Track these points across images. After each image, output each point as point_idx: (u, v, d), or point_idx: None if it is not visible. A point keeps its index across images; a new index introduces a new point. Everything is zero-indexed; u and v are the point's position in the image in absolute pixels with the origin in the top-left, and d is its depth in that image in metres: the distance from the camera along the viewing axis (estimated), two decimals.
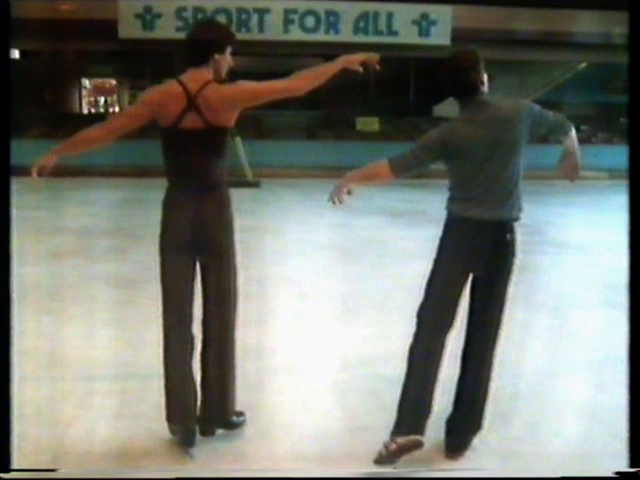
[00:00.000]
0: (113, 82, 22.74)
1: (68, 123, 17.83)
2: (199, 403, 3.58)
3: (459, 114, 3.44)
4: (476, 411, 3.57)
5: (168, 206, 3.49)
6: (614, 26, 18.98)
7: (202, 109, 3.28)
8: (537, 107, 3.38)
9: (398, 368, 3.53)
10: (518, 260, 3.46)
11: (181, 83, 3.32)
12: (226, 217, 3.49)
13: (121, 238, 8.72)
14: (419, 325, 3.49)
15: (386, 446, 3.42)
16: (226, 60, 3.41)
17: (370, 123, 18.15)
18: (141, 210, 10.28)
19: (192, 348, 3.54)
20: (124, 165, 15.34)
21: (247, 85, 3.36)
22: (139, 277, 6.70)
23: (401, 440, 3.40)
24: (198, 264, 3.52)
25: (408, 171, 3.44)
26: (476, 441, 3.60)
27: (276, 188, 13.65)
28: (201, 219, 3.40)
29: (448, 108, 19.73)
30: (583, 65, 21.97)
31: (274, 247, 8.11)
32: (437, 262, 3.49)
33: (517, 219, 3.43)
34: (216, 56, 3.35)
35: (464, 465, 3.47)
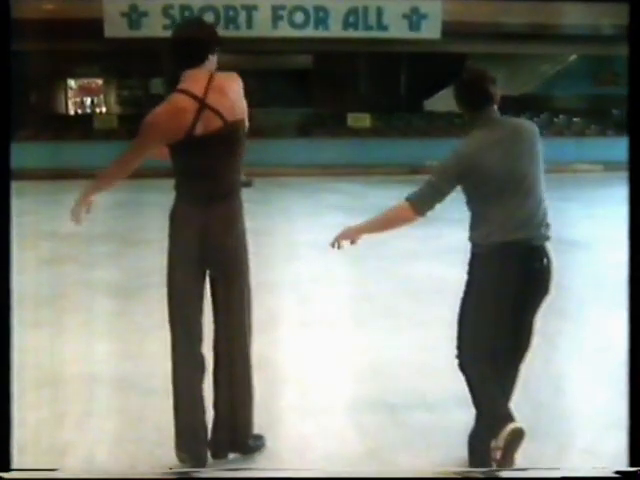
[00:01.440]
0: (99, 82, 22.48)
1: (54, 125, 17.63)
2: (211, 425, 3.37)
3: (473, 132, 3.26)
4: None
5: (179, 219, 3.25)
6: (603, 17, 18.93)
7: (216, 107, 3.07)
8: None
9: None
10: None
11: (183, 91, 3.10)
12: (241, 226, 3.29)
13: (114, 243, 8.48)
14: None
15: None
16: (215, 61, 3.23)
17: (361, 119, 17.96)
18: (133, 213, 10.08)
19: (203, 369, 3.33)
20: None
21: None
22: (135, 285, 6.47)
23: None
24: (208, 278, 3.31)
25: (432, 207, 3.20)
26: None
27: (269, 187, 13.40)
28: (215, 230, 3.18)
29: (439, 102, 19.75)
30: (573, 57, 21.90)
31: (272, 250, 7.89)
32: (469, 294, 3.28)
33: (548, 238, 3.23)
34: (210, 56, 3.18)
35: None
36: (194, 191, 3.20)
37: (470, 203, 3.26)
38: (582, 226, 9.91)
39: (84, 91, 22.97)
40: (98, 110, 22.29)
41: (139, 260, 7.62)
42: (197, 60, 3.14)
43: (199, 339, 3.30)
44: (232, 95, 3.13)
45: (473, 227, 3.25)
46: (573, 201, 12.31)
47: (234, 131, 3.13)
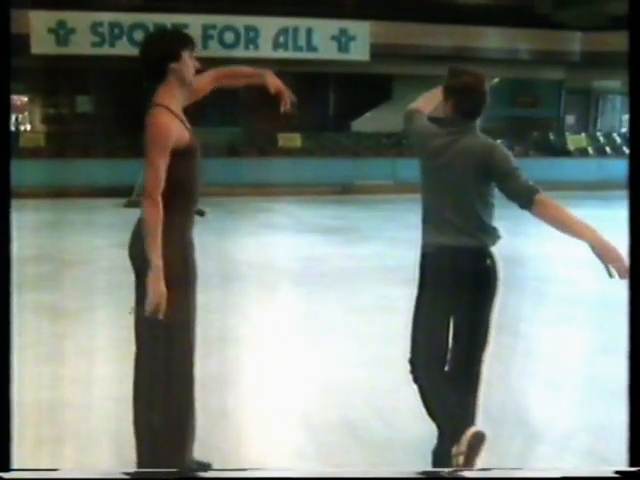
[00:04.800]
0: (24, 99, 21.91)
1: None
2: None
3: (445, 128, 3.35)
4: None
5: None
6: (522, 43, 19.61)
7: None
8: (508, 167, 3.20)
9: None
10: None
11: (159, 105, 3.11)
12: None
13: (49, 264, 8.29)
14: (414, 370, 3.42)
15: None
16: (186, 65, 3.14)
17: (292, 139, 18.06)
18: (67, 233, 9.87)
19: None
20: (40, 186, 14.81)
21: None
22: (74, 307, 6.35)
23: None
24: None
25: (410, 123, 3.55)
26: None
27: (200, 207, 13.22)
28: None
29: (367, 123, 20.00)
30: (495, 80, 22.51)
31: (209, 270, 7.82)
32: (421, 296, 3.39)
33: (494, 242, 3.35)
34: (172, 65, 3.11)
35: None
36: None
37: (423, 203, 3.39)
38: (513, 243, 10.18)
39: None
40: (23, 128, 21.72)
41: (77, 281, 7.49)
42: (158, 75, 3.14)
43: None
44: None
45: (423, 228, 3.38)
46: (503, 219, 12.64)
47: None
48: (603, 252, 2.84)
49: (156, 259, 2.96)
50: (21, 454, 3.65)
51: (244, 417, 4.21)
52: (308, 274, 8.08)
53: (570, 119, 23.19)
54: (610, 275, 2.82)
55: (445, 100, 3.34)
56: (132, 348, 3.27)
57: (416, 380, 3.42)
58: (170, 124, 3.07)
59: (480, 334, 3.35)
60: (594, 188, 17.26)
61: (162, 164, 3.00)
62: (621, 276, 2.76)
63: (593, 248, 2.88)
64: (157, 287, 2.95)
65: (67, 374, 4.83)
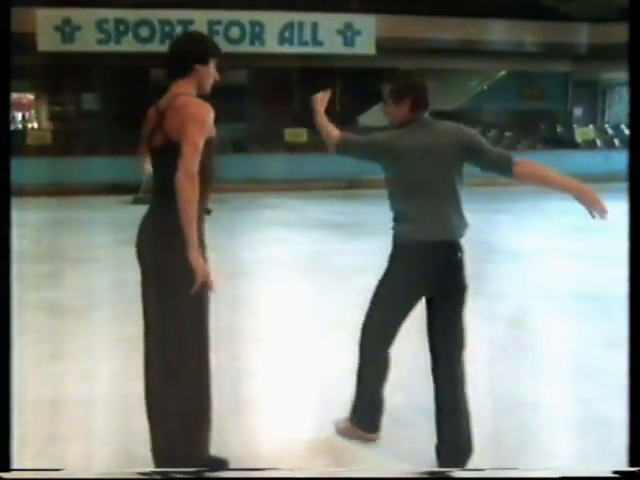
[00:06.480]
0: (31, 97, 21.95)
1: None
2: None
3: (404, 127, 3.42)
4: (462, 433, 3.46)
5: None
6: (529, 35, 19.53)
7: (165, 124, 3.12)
8: (478, 140, 3.38)
9: None
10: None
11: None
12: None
13: (56, 262, 8.31)
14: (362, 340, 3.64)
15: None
16: (209, 73, 3.24)
17: (298, 134, 18.03)
18: (72, 231, 9.88)
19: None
20: (46, 184, 14.86)
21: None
22: (80, 304, 6.36)
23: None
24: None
25: (348, 152, 3.56)
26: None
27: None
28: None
29: (372, 118, 20.00)
30: (502, 73, 22.45)
31: (219, 266, 7.80)
32: (387, 282, 3.52)
33: (463, 234, 3.45)
34: (197, 66, 3.20)
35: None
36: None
37: (394, 202, 3.46)
38: (515, 237, 10.20)
39: (15, 106, 22.42)
40: (30, 126, 21.77)
41: (84, 279, 7.50)
42: (179, 71, 3.21)
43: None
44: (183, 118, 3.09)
45: (396, 224, 3.46)
46: (506, 213, 12.64)
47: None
48: (586, 198, 3.12)
49: (194, 235, 2.97)
50: (36, 452, 3.68)
51: (257, 411, 4.21)
52: (315, 269, 8.06)
53: (578, 111, 23.10)
54: (592, 216, 3.15)
55: (396, 103, 3.43)
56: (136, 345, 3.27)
57: (362, 346, 3.63)
58: (210, 109, 3.12)
59: (459, 324, 3.46)
60: (602, 180, 17.16)
61: (200, 144, 3.03)
62: (601, 216, 3.12)
63: (576, 197, 3.14)
64: (200, 264, 2.99)
65: (75, 371, 4.84)
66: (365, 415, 3.76)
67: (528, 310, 6.37)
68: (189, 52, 3.22)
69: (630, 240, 2.49)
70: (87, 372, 4.80)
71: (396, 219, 3.46)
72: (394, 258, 3.48)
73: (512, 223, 11.72)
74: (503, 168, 3.30)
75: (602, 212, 3.11)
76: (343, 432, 3.82)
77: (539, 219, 11.92)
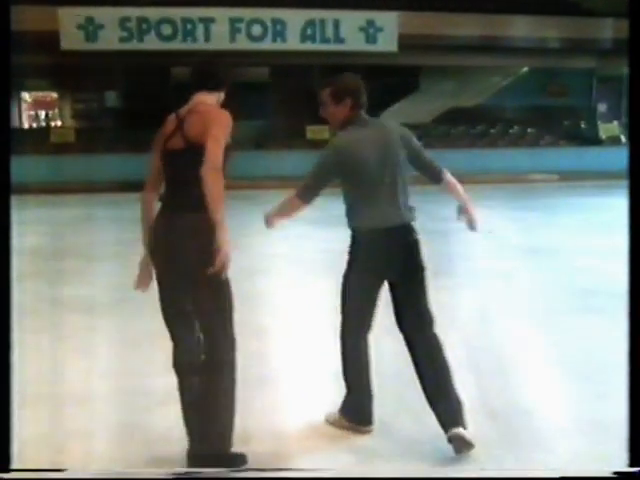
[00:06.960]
0: (54, 95, 22.13)
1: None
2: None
3: (344, 130, 3.61)
4: (452, 400, 3.56)
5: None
6: (551, 31, 19.36)
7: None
8: (417, 142, 3.71)
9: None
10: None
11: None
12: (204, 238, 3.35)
13: (80, 259, 8.36)
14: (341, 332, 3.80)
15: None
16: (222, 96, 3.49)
17: (320, 131, 17.98)
18: (91, 228, 9.93)
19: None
20: (68, 182, 14.97)
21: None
22: (102, 300, 6.39)
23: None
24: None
25: (316, 195, 3.64)
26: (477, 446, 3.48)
27: (227, 201, 13.19)
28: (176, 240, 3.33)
29: (395, 114, 19.90)
30: (524, 69, 22.31)
31: (242, 263, 7.81)
32: (351, 272, 3.67)
33: (414, 218, 3.66)
34: (227, 83, 3.46)
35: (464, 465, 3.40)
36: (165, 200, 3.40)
37: (348, 196, 3.62)
38: (543, 234, 10.10)
39: (38, 104, 22.62)
40: (53, 124, 21.94)
41: (108, 275, 7.53)
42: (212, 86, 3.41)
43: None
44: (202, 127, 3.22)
45: (352, 217, 3.62)
46: (533, 210, 12.55)
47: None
48: (467, 213, 3.70)
49: (222, 220, 3.07)
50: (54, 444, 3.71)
51: (278, 406, 4.21)
52: (340, 266, 8.01)
53: (602, 107, 22.88)
54: (470, 228, 3.73)
55: (337, 104, 3.60)
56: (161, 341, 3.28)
57: (343, 339, 3.79)
58: (230, 117, 3.27)
59: (423, 302, 3.65)
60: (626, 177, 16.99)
61: (223, 143, 3.16)
62: (472, 229, 3.73)
63: (460, 208, 3.70)
64: (226, 246, 3.05)
65: (101, 366, 4.86)
66: (354, 407, 3.82)
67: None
68: (227, 70, 3.46)
69: (630, 239, 2.50)
70: (113, 368, 4.81)
71: (351, 211, 3.61)
72: (355, 248, 3.65)
73: (539, 219, 11.63)
74: (436, 174, 3.73)
75: (473, 225, 3.72)
76: (335, 424, 3.87)
77: (566, 215, 11.81)
